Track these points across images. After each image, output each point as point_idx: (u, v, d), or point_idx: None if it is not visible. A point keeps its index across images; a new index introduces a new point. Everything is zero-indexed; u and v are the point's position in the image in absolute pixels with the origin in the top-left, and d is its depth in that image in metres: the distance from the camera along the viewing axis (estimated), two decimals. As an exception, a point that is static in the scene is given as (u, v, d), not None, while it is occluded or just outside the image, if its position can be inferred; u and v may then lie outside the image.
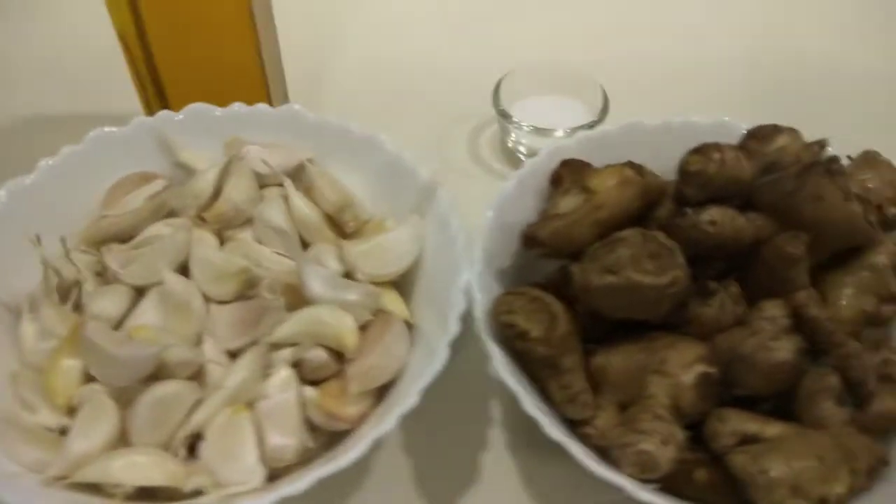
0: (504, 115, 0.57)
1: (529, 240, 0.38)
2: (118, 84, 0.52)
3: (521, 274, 0.42)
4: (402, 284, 0.42)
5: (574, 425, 0.37)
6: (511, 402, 0.43)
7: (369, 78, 0.65)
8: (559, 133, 0.55)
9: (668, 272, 0.35)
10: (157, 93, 0.51)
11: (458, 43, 0.69)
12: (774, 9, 0.74)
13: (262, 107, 0.46)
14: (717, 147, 0.36)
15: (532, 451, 0.42)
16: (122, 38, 0.47)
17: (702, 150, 0.36)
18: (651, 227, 0.39)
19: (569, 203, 0.38)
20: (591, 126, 0.55)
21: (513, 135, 0.58)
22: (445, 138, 0.61)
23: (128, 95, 0.52)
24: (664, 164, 0.42)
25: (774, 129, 0.36)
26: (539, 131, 0.56)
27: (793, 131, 0.36)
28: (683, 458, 0.35)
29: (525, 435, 0.43)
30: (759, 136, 0.36)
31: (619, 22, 0.73)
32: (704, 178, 0.35)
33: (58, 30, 0.68)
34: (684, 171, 0.36)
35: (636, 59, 0.68)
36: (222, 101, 0.46)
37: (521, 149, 0.58)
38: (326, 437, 0.36)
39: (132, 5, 0.45)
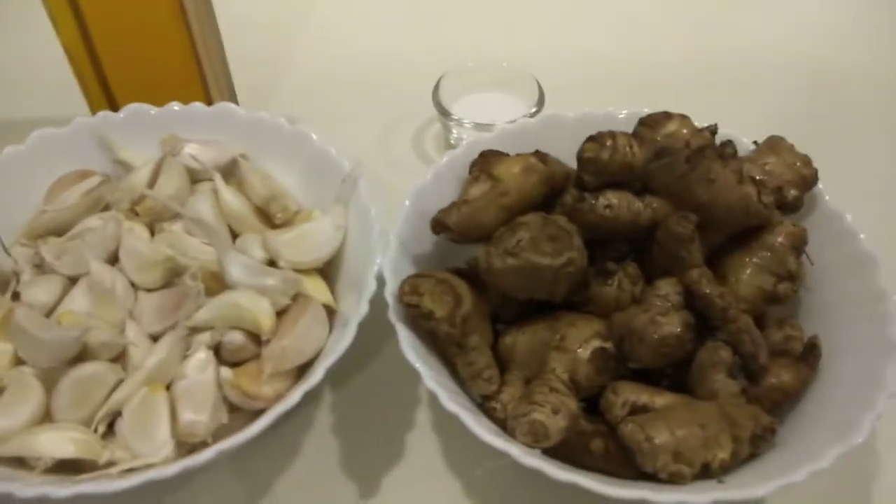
0: (444, 113, 0.58)
1: (438, 224, 0.40)
2: (63, 91, 0.55)
3: (442, 261, 0.44)
4: (328, 271, 0.44)
5: (484, 401, 0.39)
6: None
7: (318, 81, 0.67)
8: (497, 127, 0.57)
9: (564, 254, 0.36)
10: (106, 97, 0.53)
11: (402, 45, 0.71)
12: (708, 2, 0.76)
13: (197, 105, 0.48)
14: (610, 134, 0.38)
15: (451, 429, 0.44)
16: (69, 48, 0.50)
17: (596, 138, 0.38)
18: (556, 212, 0.41)
19: (476, 190, 0.40)
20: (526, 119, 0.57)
21: (454, 131, 0.60)
22: (392, 136, 0.63)
23: (73, 102, 0.54)
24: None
25: (665, 116, 0.38)
26: (479, 126, 0.57)
27: (683, 118, 0.38)
28: (581, 430, 0.36)
29: (447, 414, 0.44)
30: (650, 122, 0.37)
31: (558, 19, 0.75)
32: (599, 165, 0.37)
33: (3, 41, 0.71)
34: (580, 158, 0.38)
35: (575, 54, 0.70)
36: (165, 103, 0.48)
37: (462, 142, 0.60)
38: (249, 417, 0.38)
39: (78, 18, 0.48)
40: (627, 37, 0.73)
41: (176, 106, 0.48)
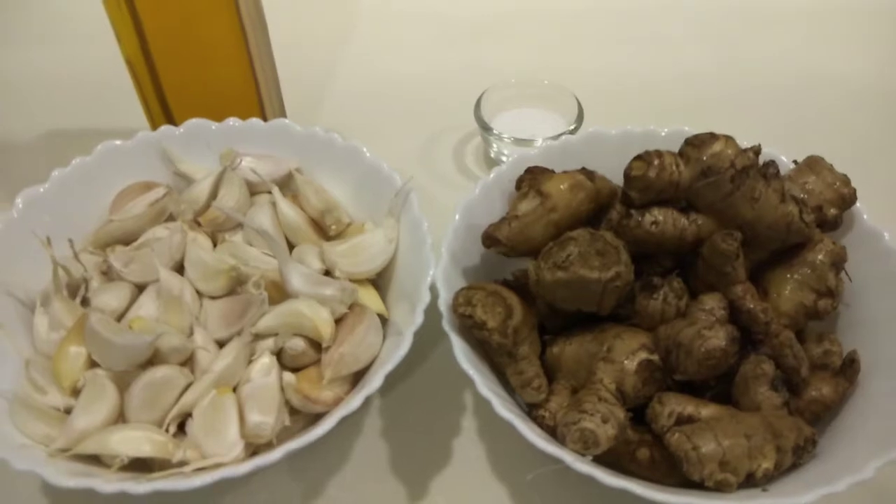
0: (485, 128, 0.60)
1: (489, 239, 0.41)
2: (125, 103, 0.57)
3: (490, 273, 0.46)
4: (380, 282, 0.46)
5: (532, 409, 0.40)
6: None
7: (361, 97, 0.70)
8: (538, 142, 0.58)
9: (611, 268, 0.38)
10: (163, 110, 0.56)
11: (443, 62, 0.73)
12: (743, 22, 0.78)
13: (254, 121, 0.50)
14: (657, 153, 0.39)
15: (496, 435, 0.45)
16: (130, 63, 0.52)
17: (643, 157, 0.39)
18: (603, 228, 0.42)
19: (526, 206, 0.41)
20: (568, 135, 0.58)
21: (494, 146, 0.62)
22: (433, 151, 0.65)
23: (135, 113, 0.56)
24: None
25: (711, 137, 0.39)
26: (518, 142, 0.59)
27: (728, 139, 0.39)
28: (628, 439, 0.38)
29: (493, 420, 0.46)
30: (696, 142, 0.39)
31: (595, 38, 0.76)
32: (646, 182, 0.39)
33: (66, 53, 0.74)
34: (627, 176, 0.39)
35: (612, 72, 0.71)
36: (221, 117, 0.50)
37: (503, 159, 0.62)
38: (308, 420, 0.40)
39: (139, 34, 0.50)
40: (663, 55, 0.74)
41: (234, 121, 0.50)
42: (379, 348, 0.41)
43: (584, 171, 0.42)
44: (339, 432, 0.45)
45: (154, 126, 0.56)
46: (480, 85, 0.62)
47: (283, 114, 0.60)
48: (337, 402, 0.39)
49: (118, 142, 0.48)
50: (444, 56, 0.74)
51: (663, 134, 0.49)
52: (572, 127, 0.59)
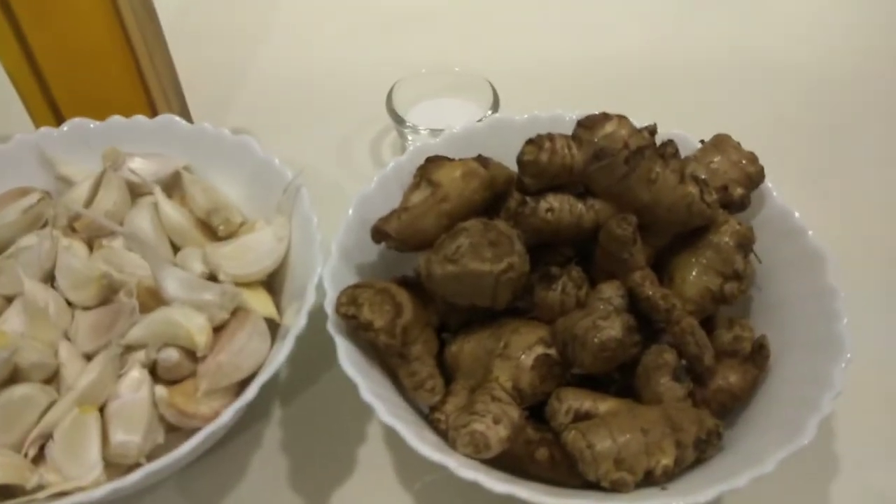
0: (398, 120, 0.58)
1: (378, 233, 0.39)
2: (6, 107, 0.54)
3: (388, 271, 0.43)
4: (273, 283, 0.43)
5: (430, 412, 0.38)
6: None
7: (276, 92, 0.67)
8: (446, 133, 0.56)
9: (504, 259, 0.36)
10: (54, 114, 0.52)
11: (358, 53, 0.71)
12: (665, 3, 0.76)
13: (138, 118, 0.47)
14: (549, 136, 0.37)
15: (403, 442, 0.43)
16: (11, 71, 0.49)
17: (534, 141, 0.37)
18: (501, 217, 0.40)
19: (416, 196, 0.39)
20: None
21: (410, 138, 0.59)
22: (350, 147, 0.62)
23: (20, 117, 0.53)
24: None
25: (603, 117, 0.37)
26: (434, 133, 0.57)
27: (622, 118, 0.37)
28: (528, 438, 0.36)
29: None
30: (588, 124, 0.37)
31: (512, 26, 0.74)
32: (538, 167, 0.37)
33: None
34: (520, 162, 0.37)
35: (531, 60, 0.69)
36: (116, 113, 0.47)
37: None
38: (188, 437, 0.37)
39: (20, 40, 0.47)
40: (585, 42, 0.72)
41: (117, 119, 0.47)
42: (265, 356, 0.38)
43: (478, 158, 0.40)
44: (236, 447, 0.42)
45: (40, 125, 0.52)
46: (397, 76, 0.60)
47: (185, 112, 0.57)
48: (216, 416, 0.37)
49: (-9, 145, 0.45)
50: (358, 49, 0.71)
51: (570, 119, 0.47)
52: (488, 114, 0.57)
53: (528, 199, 0.38)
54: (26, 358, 0.35)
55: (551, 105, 0.48)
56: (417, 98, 0.60)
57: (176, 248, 0.44)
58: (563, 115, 0.47)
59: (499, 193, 0.40)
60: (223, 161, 0.46)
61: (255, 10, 0.76)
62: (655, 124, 0.39)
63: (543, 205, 0.37)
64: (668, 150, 0.38)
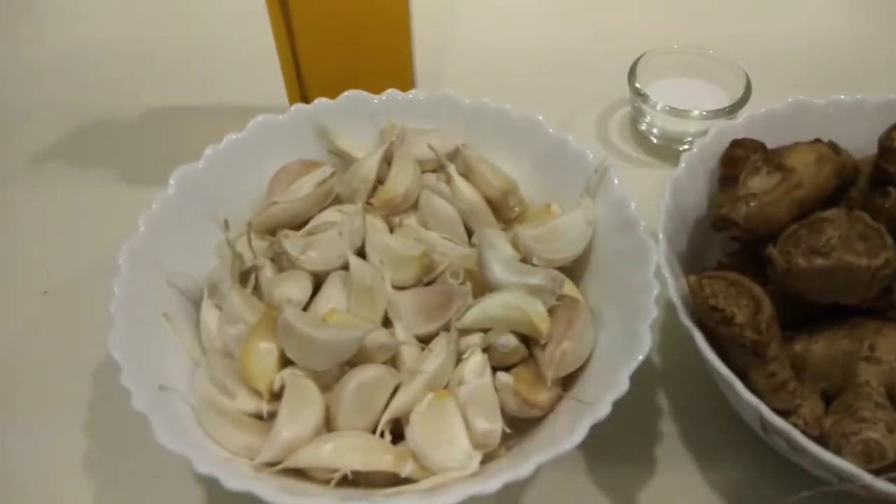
0: (640, 96, 0.55)
1: (724, 221, 0.37)
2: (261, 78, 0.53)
3: (695, 258, 0.41)
4: (572, 269, 0.41)
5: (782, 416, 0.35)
6: (680, 392, 0.42)
7: (489, 65, 0.64)
8: (695, 114, 0.54)
9: (880, 253, 0.33)
10: (299, 86, 0.51)
11: (581, 28, 0.68)
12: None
13: (417, 92, 0.45)
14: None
15: (707, 445, 0.41)
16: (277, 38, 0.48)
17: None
18: (845, 207, 0.37)
19: (762, 183, 0.37)
20: (731, 110, 0.53)
21: (647, 117, 0.57)
22: (574, 122, 0.60)
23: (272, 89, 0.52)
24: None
25: None
26: (675, 112, 0.54)
27: None
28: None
29: (699, 427, 0.41)
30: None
31: (762, 9, 0.71)
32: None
33: (209, 29, 0.69)
34: (887, 148, 0.34)
35: (780, 44, 0.66)
36: (368, 88, 0.45)
37: (655, 131, 0.57)
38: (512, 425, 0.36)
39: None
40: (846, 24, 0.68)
41: (395, 93, 0.45)
42: (594, 345, 0.37)
43: (828, 142, 0.37)
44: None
45: (292, 100, 0.51)
46: (618, 53, 0.57)
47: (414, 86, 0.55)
48: (552, 406, 0.35)
49: (272, 116, 0.44)
50: (579, 24, 0.69)
51: (872, 103, 0.44)
52: (739, 99, 0.54)
53: (891, 189, 0.35)
54: (375, 338, 0.34)
55: (803, 92, 0.44)
56: (656, 76, 0.57)
57: (467, 232, 0.42)
58: (864, 100, 0.44)
59: (845, 182, 0.38)
60: (505, 140, 0.44)
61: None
62: None
63: (910, 196, 0.35)
64: None
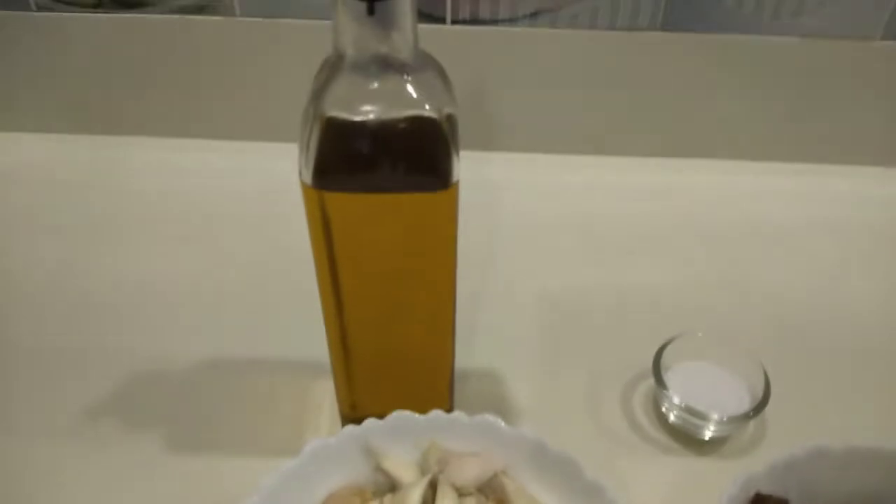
0: (661, 384, 0.58)
1: None
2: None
3: None
4: None
5: None
6: None
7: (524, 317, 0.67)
8: (715, 417, 0.56)
9: None
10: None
11: (617, 279, 0.71)
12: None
13: (459, 415, 0.49)
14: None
15: None
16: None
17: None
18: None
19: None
20: (748, 417, 0.56)
21: (665, 404, 0.59)
22: (598, 396, 0.62)
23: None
24: (848, 488, 0.45)
25: None
26: (693, 412, 0.56)
27: None
28: None
29: None
30: None
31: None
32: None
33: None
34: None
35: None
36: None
37: (672, 416, 0.59)
38: None
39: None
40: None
41: (439, 414, 0.48)
42: None
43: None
44: None
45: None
46: (645, 311, 0.60)
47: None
48: None
49: (324, 440, 0.47)
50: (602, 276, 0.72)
51: (889, 451, 0.47)
52: (756, 406, 0.56)
53: None
54: None
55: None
56: (679, 357, 0.60)
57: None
58: (883, 448, 0.47)
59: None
60: (539, 471, 0.47)
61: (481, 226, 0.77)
62: None
63: None
64: None
